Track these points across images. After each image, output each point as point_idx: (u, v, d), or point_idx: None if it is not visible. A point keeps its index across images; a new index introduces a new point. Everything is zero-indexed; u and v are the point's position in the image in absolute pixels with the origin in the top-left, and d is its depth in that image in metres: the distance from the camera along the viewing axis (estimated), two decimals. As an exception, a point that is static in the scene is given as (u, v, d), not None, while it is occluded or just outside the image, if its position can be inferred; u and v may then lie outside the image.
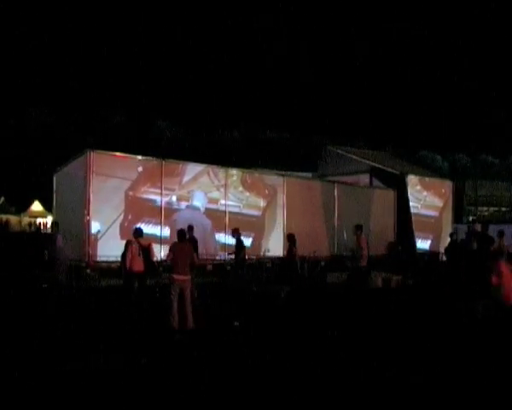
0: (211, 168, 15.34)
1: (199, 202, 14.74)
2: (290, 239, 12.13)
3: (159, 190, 14.02)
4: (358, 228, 12.93)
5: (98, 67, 66.45)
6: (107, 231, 13.03)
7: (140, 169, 13.76)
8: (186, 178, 14.61)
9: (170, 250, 9.34)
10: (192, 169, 14.92)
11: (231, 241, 14.28)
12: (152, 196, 13.91)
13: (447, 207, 22.60)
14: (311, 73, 79.39)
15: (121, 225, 13.22)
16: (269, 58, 78.19)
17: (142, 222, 13.19)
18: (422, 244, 21.05)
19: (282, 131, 54.85)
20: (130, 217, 13.34)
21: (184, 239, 9.58)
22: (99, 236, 12.87)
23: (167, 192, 14.20)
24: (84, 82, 57.04)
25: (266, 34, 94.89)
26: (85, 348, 7.42)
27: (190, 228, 11.80)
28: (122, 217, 13.29)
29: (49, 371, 6.34)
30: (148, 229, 13.26)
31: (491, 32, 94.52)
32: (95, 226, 12.86)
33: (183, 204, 14.53)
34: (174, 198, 14.33)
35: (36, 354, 7.07)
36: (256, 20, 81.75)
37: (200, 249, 12.68)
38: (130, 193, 13.52)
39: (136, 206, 13.63)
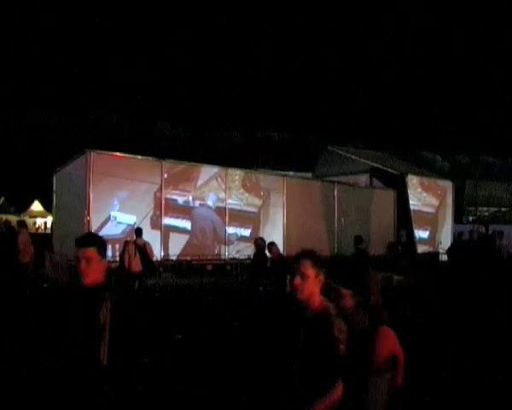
0: (218, 173, 17.14)
1: (211, 201, 16.79)
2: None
3: (179, 192, 16.02)
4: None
5: (98, 67, 66.55)
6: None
7: (165, 176, 15.79)
8: (200, 182, 16.64)
9: None
10: (204, 174, 16.77)
11: (231, 232, 16.80)
12: (174, 196, 16.06)
13: (442, 206, 23.06)
14: (311, 73, 79.48)
15: (151, 220, 15.28)
16: (269, 58, 78.33)
17: (166, 217, 15.68)
18: (422, 234, 22.10)
19: (281, 131, 54.84)
20: (157, 213, 15.61)
21: None
22: (136, 226, 13.30)
23: (185, 193, 16.27)
24: (85, 82, 57.13)
25: (266, 34, 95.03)
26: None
27: None
28: (152, 213, 15.37)
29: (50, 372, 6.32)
30: (170, 222, 15.85)
31: (491, 33, 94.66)
32: (131, 219, 14.30)
33: (197, 202, 16.48)
34: (190, 198, 16.35)
35: (35, 354, 7.07)
36: (256, 20, 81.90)
37: (211, 242, 16.48)
38: (158, 194, 15.73)
39: (165, 205, 15.68)
